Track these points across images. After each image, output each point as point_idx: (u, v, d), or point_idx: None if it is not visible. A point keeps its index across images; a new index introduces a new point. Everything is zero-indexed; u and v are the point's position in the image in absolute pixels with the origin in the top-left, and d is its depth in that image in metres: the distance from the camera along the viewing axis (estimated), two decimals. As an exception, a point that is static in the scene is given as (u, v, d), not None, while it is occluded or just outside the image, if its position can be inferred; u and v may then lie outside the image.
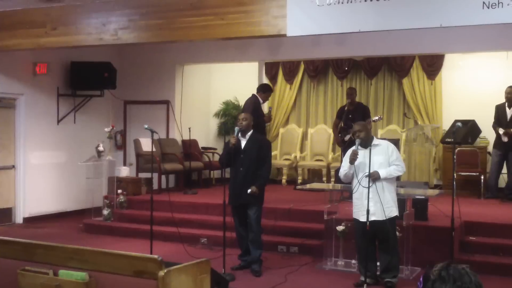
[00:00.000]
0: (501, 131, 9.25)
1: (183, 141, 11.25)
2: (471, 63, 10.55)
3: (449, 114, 10.33)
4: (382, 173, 6.02)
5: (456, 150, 9.30)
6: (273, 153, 9.77)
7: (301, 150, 11.66)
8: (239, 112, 10.85)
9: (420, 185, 8.57)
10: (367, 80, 11.35)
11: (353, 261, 6.91)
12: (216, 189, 10.37)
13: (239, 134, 6.69)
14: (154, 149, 7.77)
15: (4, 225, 9.59)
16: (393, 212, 6.10)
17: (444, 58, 10.59)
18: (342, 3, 6.19)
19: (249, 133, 6.77)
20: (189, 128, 10.84)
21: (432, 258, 6.14)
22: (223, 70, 12.21)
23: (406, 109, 11.05)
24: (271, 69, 11.79)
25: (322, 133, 11.49)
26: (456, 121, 8.87)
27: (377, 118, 8.83)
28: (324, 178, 11.01)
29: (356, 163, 6.06)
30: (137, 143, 10.60)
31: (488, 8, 5.62)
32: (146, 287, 3.41)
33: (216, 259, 6.65)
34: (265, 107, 9.38)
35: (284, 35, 6.64)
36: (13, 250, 3.98)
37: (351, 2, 6.15)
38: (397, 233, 6.32)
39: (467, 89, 10.50)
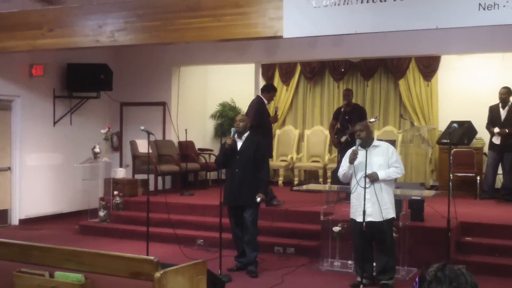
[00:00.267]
0: (496, 130, 9.28)
1: (180, 143, 11.24)
2: (467, 65, 10.58)
3: (445, 115, 10.36)
4: (381, 174, 6.02)
5: (452, 151, 9.34)
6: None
7: (298, 151, 11.67)
8: (237, 113, 10.90)
9: (416, 186, 8.58)
10: (364, 81, 11.36)
11: (350, 262, 6.92)
12: (213, 190, 10.37)
13: (236, 135, 6.70)
14: (150, 151, 7.76)
15: (0, 226, 9.57)
16: (390, 213, 6.11)
17: (440, 60, 10.62)
18: (338, 4, 6.20)
19: (246, 135, 6.77)
20: (186, 130, 10.84)
21: (428, 258, 6.13)
22: (220, 72, 12.20)
23: (402, 110, 11.07)
24: (267, 71, 11.79)
25: (319, 134, 11.50)
26: (452, 122, 8.87)
27: (373, 119, 8.83)
28: (321, 179, 11.03)
29: (355, 163, 6.06)
30: (133, 145, 10.59)
31: (484, 9, 5.64)
32: (142, 289, 3.41)
33: (212, 260, 6.65)
34: (269, 108, 9.35)
35: (281, 37, 6.64)
36: (9, 252, 3.98)
37: (347, 3, 6.16)
38: (394, 234, 6.33)
39: (463, 90, 10.52)
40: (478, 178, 9.70)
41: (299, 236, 7.87)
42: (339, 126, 8.94)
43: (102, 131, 9.89)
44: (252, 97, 10.72)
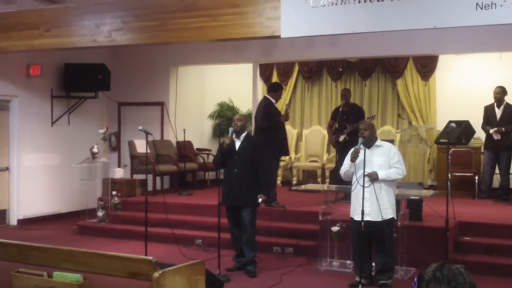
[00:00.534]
0: (492, 130, 9.30)
1: (178, 143, 11.24)
2: (465, 64, 10.60)
3: (443, 115, 10.37)
4: (381, 174, 6.01)
5: (450, 151, 9.35)
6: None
7: (296, 151, 11.67)
8: (235, 113, 10.90)
9: (414, 185, 8.60)
10: (361, 81, 11.37)
11: (348, 262, 6.92)
12: (211, 190, 10.38)
13: (234, 135, 6.69)
14: (148, 151, 7.76)
15: (-2, 227, 9.58)
16: (389, 214, 6.08)
17: (438, 59, 10.62)
18: (336, 4, 6.19)
19: (244, 134, 6.77)
20: (184, 130, 10.84)
21: (426, 258, 6.14)
22: (218, 72, 12.20)
23: (400, 110, 11.08)
24: (265, 71, 11.79)
25: (317, 134, 11.50)
26: (450, 121, 8.89)
27: (370, 119, 8.83)
28: (319, 179, 11.03)
29: (357, 161, 6.06)
30: (131, 145, 10.59)
31: (482, 9, 5.64)
32: (140, 289, 3.41)
33: (211, 260, 6.66)
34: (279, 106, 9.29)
35: (278, 37, 6.64)
36: (7, 252, 3.97)
37: (345, 3, 6.16)
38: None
39: (461, 90, 10.53)
40: (476, 177, 9.71)
41: (297, 236, 7.87)
42: (337, 125, 8.95)
43: (100, 131, 9.89)
44: (250, 97, 10.79)
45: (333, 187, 8.28)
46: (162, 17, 7.22)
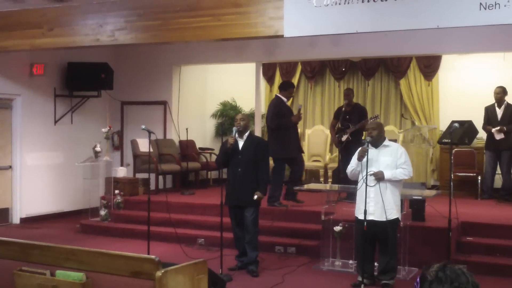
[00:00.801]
0: (494, 129, 9.28)
1: (180, 142, 11.24)
2: (468, 64, 10.58)
3: (446, 115, 10.35)
4: (387, 174, 6.00)
5: (453, 151, 9.35)
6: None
7: (298, 151, 11.64)
8: (237, 113, 10.89)
9: (417, 185, 8.57)
10: (364, 81, 11.36)
11: (350, 262, 6.92)
12: (213, 189, 10.37)
13: (237, 135, 6.69)
14: (151, 150, 7.76)
15: (0, 225, 9.58)
16: (394, 214, 6.06)
17: (441, 59, 10.61)
18: (339, 4, 6.19)
19: (246, 134, 6.77)
20: (186, 129, 10.84)
21: (429, 258, 6.14)
22: (221, 71, 12.21)
23: (403, 110, 11.07)
24: (268, 70, 11.79)
25: (319, 134, 11.49)
26: (453, 121, 8.88)
27: (373, 118, 8.83)
28: (322, 179, 11.02)
29: (363, 160, 6.05)
30: (134, 144, 10.59)
31: (485, 9, 5.63)
32: (143, 288, 3.41)
33: (213, 259, 6.66)
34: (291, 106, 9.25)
35: (281, 36, 6.64)
36: (10, 251, 3.97)
37: (348, 3, 6.15)
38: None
39: (464, 90, 10.52)
40: (479, 178, 9.69)
41: (300, 236, 7.87)
42: (339, 125, 8.95)
43: (103, 130, 9.90)
44: (253, 96, 10.77)
45: (336, 187, 8.29)
46: (165, 17, 7.23)
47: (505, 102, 9.36)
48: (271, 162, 8.92)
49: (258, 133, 10.32)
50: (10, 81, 9.69)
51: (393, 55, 10.33)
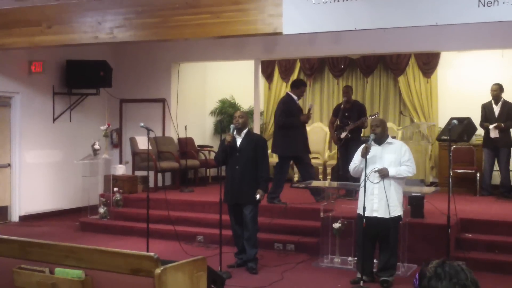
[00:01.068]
0: (491, 126, 9.29)
1: (179, 139, 11.24)
2: (467, 61, 10.58)
3: (445, 112, 10.36)
4: (391, 171, 6.01)
5: (452, 148, 9.34)
6: (270, 151, 9.74)
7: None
8: (236, 110, 10.89)
9: (416, 182, 8.57)
10: (363, 78, 11.36)
11: (350, 259, 6.93)
12: (212, 187, 10.38)
13: (235, 132, 6.69)
14: (150, 147, 7.77)
15: (0, 223, 9.58)
16: (397, 211, 6.08)
17: (439, 56, 10.61)
18: (338, 1, 6.19)
19: (245, 131, 6.76)
20: (185, 126, 10.84)
21: (428, 255, 6.12)
22: (219, 68, 12.20)
23: (402, 107, 11.08)
24: (267, 67, 11.79)
25: (318, 131, 11.49)
26: (452, 118, 8.87)
27: (372, 116, 8.83)
28: (321, 176, 11.02)
29: (368, 157, 6.04)
30: (133, 141, 10.59)
31: (484, 6, 5.63)
32: (142, 285, 3.41)
33: (212, 257, 6.65)
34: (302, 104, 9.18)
35: (280, 33, 6.63)
36: (9, 249, 3.98)
37: (347, 0, 6.15)
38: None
39: (463, 87, 10.52)
40: (478, 174, 9.71)
41: (299, 233, 7.87)
42: (338, 123, 8.94)
43: (102, 127, 9.89)
44: (252, 93, 10.76)
45: (335, 184, 8.29)
46: (164, 14, 7.22)
47: (502, 99, 9.37)
48: (272, 159, 8.94)
49: (257, 130, 10.31)
50: (9, 79, 9.68)
51: (392, 52, 10.32)
